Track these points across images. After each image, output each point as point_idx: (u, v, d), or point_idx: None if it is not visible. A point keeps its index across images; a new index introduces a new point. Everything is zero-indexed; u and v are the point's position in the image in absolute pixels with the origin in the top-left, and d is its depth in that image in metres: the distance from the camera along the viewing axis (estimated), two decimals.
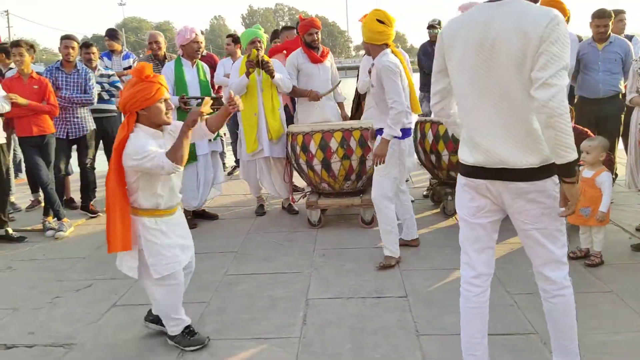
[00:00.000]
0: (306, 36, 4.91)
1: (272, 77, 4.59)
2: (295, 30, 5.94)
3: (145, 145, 2.44)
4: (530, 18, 1.82)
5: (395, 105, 3.39)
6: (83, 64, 5.26)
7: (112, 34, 6.71)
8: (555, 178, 2.00)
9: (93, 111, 5.34)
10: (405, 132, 3.59)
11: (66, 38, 5.10)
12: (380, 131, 3.65)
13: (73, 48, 5.04)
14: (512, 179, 1.97)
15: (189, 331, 2.75)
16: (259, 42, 4.62)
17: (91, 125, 5.24)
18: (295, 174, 5.07)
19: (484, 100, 1.97)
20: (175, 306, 2.71)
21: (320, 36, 4.97)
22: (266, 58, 4.65)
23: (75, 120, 5.09)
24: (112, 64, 6.52)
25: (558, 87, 1.78)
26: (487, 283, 2.21)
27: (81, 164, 5.27)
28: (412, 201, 5.32)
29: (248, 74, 4.54)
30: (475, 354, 2.20)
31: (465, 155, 2.08)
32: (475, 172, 2.05)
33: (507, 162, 1.95)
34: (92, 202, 5.43)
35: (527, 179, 1.95)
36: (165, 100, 2.56)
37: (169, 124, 2.63)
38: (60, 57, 5.14)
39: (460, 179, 2.15)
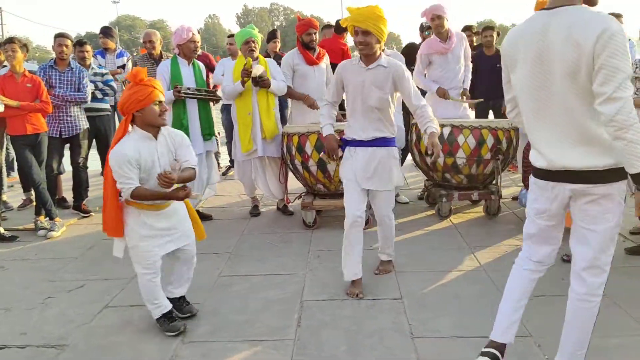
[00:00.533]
0: (304, 36, 4.88)
1: (268, 88, 4.59)
2: (333, 29, 5.87)
3: (124, 162, 2.62)
4: (581, 28, 1.81)
5: (425, 102, 3.28)
6: (77, 62, 5.22)
7: (106, 31, 6.67)
8: (622, 184, 2.01)
9: (86, 110, 5.31)
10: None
11: (60, 36, 5.07)
12: (354, 142, 3.31)
13: (67, 46, 5.01)
14: (576, 182, 2.00)
15: (169, 317, 2.90)
16: (253, 42, 4.59)
17: (84, 124, 5.20)
18: (290, 174, 5.06)
19: (543, 109, 2.02)
20: (152, 292, 2.88)
21: (317, 37, 4.94)
22: (262, 61, 4.64)
23: (69, 119, 5.04)
24: (106, 62, 6.48)
25: (623, 99, 1.78)
26: (543, 268, 2.31)
27: (74, 162, 5.23)
28: (407, 202, 5.36)
29: (243, 82, 4.51)
30: (510, 319, 2.29)
31: (533, 158, 2.16)
32: (542, 174, 2.12)
33: (569, 165, 1.99)
34: (84, 202, 5.38)
35: (591, 181, 1.97)
36: (160, 102, 2.73)
37: (164, 124, 2.79)
38: (54, 55, 5.10)
39: (531, 178, 2.23)
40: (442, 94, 4.97)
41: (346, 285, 3.37)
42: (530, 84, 2.02)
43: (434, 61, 5.03)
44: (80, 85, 5.06)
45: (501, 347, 2.27)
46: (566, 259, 3.62)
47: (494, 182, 4.73)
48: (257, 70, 4.46)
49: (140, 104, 2.66)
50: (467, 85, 5.18)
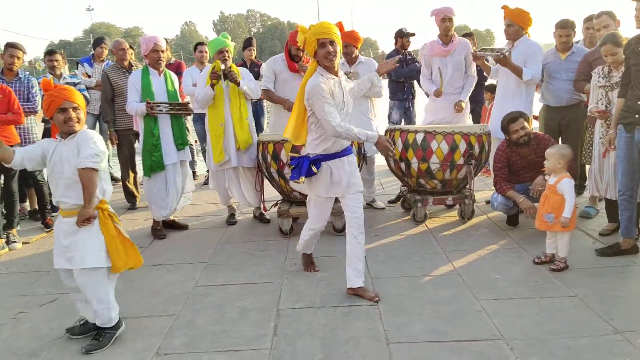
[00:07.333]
0: (293, 49, 4.88)
1: (238, 85, 4.57)
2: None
3: (35, 145, 2.85)
4: None
5: None
6: (25, 72, 5.10)
7: (102, 41, 6.68)
8: None
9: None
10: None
11: (12, 46, 4.91)
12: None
13: (18, 58, 4.89)
14: None
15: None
16: (227, 51, 4.59)
17: (35, 136, 5.07)
18: (266, 182, 5.05)
19: None
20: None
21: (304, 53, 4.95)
22: (233, 68, 4.62)
23: (19, 131, 4.82)
24: (94, 71, 6.42)
25: None
26: None
27: (29, 177, 5.09)
28: (383, 208, 5.40)
29: (213, 85, 4.50)
30: None
31: None
32: None
33: None
34: (50, 216, 5.19)
35: None
36: (64, 109, 2.67)
37: (70, 131, 2.71)
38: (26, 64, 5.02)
39: None
40: (437, 94, 5.22)
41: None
42: None
43: (433, 63, 5.27)
44: (30, 95, 4.94)
45: None
46: (537, 262, 3.69)
47: (467, 186, 4.80)
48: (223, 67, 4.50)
49: (47, 112, 2.73)
50: (464, 97, 5.31)
